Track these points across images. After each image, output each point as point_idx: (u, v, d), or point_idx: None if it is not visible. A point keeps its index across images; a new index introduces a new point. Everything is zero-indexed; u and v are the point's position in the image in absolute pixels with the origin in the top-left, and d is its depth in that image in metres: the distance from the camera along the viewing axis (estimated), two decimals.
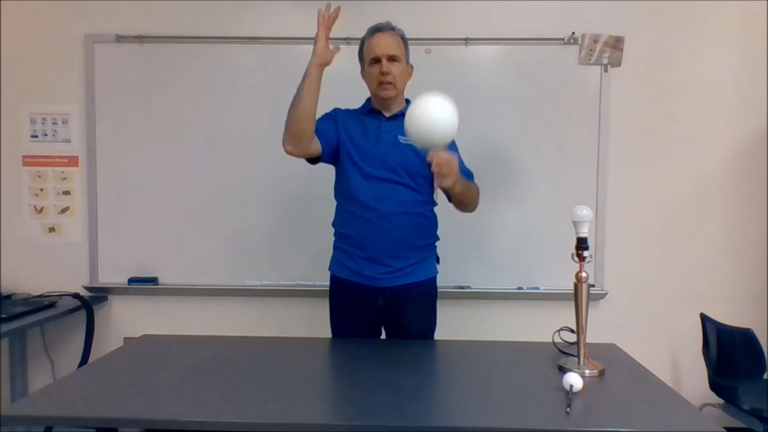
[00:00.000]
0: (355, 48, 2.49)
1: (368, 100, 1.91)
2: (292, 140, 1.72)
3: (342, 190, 1.84)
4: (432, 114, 1.49)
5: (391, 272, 1.79)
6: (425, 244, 1.85)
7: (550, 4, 2.54)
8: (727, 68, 2.57)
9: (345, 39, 2.53)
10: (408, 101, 1.90)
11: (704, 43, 2.56)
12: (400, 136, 1.80)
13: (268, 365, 1.59)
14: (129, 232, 2.61)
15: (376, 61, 1.78)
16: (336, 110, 1.90)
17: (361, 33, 2.47)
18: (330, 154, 1.82)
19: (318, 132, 1.75)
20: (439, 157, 1.54)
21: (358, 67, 2.48)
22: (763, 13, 2.54)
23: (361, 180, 1.78)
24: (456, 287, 2.57)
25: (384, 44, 1.78)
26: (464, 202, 1.83)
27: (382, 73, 1.76)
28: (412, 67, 1.88)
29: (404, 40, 1.84)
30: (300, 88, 1.69)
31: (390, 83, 1.78)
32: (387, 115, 1.85)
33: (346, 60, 2.52)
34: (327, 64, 1.66)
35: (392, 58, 1.78)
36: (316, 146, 1.76)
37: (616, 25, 2.53)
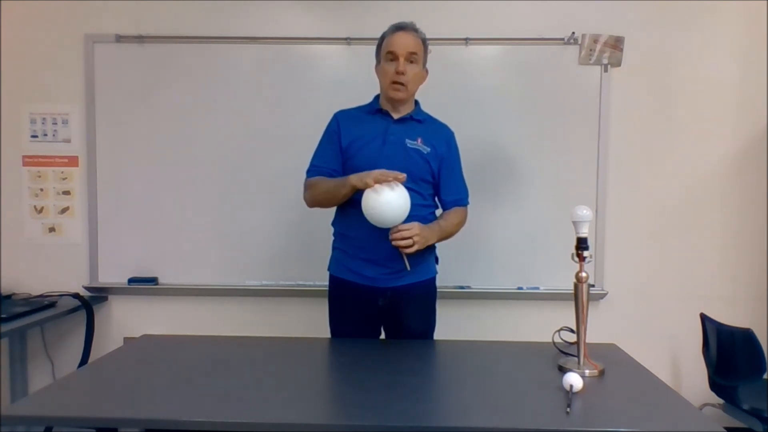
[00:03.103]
0: (355, 48, 2.53)
1: (376, 98, 1.89)
2: (315, 206, 1.87)
3: None
4: (383, 199, 1.60)
5: (391, 273, 1.79)
6: (423, 248, 1.84)
7: (550, 4, 2.54)
8: (727, 68, 2.57)
9: (345, 39, 2.54)
10: (417, 103, 1.90)
11: (704, 43, 2.56)
12: (407, 140, 1.80)
13: (268, 365, 1.59)
14: (129, 232, 2.62)
15: (394, 58, 1.76)
16: (337, 118, 1.87)
17: (360, 33, 2.51)
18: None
19: (331, 172, 1.81)
20: (396, 239, 1.65)
21: (359, 69, 2.49)
22: (764, 13, 2.54)
23: None
24: (456, 287, 2.57)
25: (404, 43, 1.76)
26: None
27: (397, 73, 1.75)
28: (427, 71, 1.86)
29: (425, 44, 1.82)
30: (335, 192, 1.76)
31: (403, 84, 1.76)
32: (395, 116, 1.83)
33: (347, 61, 2.55)
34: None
35: (410, 59, 1.76)
36: None
37: (616, 25, 2.53)
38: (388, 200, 1.60)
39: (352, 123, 1.84)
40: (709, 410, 2.41)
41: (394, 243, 1.65)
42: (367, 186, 1.62)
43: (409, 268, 1.69)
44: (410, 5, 2.50)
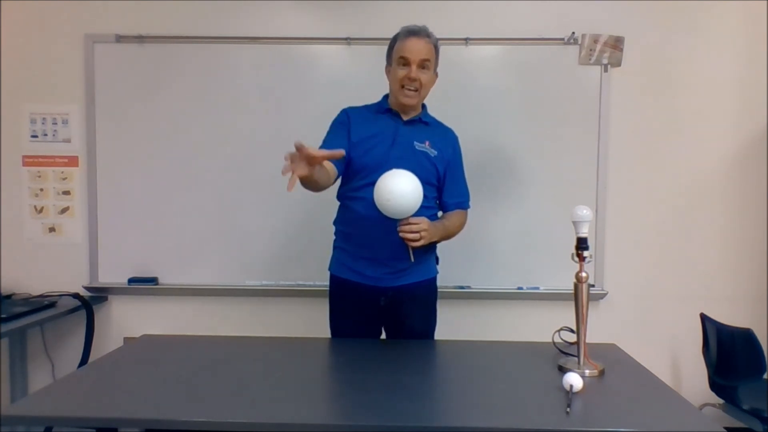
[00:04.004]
0: (355, 48, 2.53)
1: (385, 98, 1.88)
2: (314, 191, 1.71)
3: (350, 190, 1.83)
4: (398, 186, 1.59)
5: (392, 272, 1.79)
6: (427, 245, 1.85)
7: (550, 4, 2.54)
8: (727, 68, 2.57)
9: (345, 39, 2.54)
10: (424, 106, 1.90)
11: (704, 43, 2.56)
12: (416, 142, 1.80)
13: (268, 365, 1.59)
14: (129, 232, 2.61)
15: (406, 63, 1.74)
16: (348, 113, 1.85)
17: (360, 33, 2.51)
18: (344, 170, 1.81)
19: (335, 161, 1.71)
20: (404, 230, 1.63)
21: (359, 68, 2.49)
22: (764, 13, 2.54)
23: (371, 182, 1.72)
24: (456, 287, 2.57)
25: (417, 50, 1.73)
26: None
27: (410, 79, 1.73)
28: (437, 75, 1.85)
29: (437, 49, 1.80)
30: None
31: (415, 90, 1.75)
32: (405, 118, 1.83)
33: (347, 61, 2.55)
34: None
35: (422, 66, 1.75)
36: (334, 175, 1.74)
37: (616, 25, 2.53)
38: (404, 192, 1.58)
39: (362, 120, 1.83)
40: (709, 410, 2.41)
41: (401, 234, 1.64)
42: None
43: (413, 260, 1.69)
44: (410, 5, 2.50)
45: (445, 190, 1.88)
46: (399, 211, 1.61)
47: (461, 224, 1.91)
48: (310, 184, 1.58)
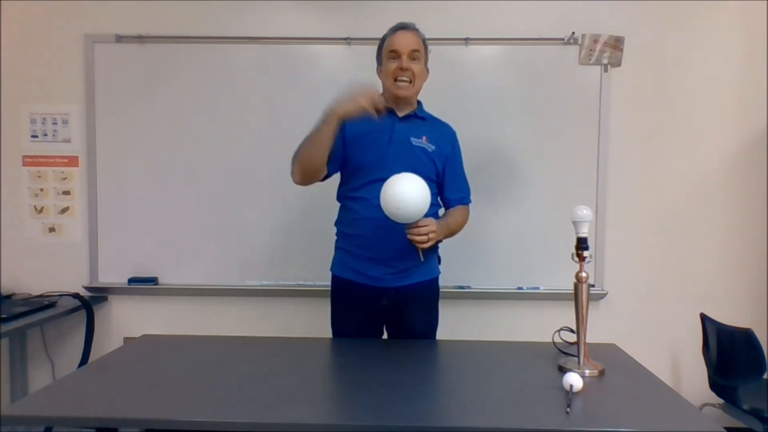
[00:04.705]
0: (355, 48, 2.53)
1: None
2: (302, 177, 1.75)
3: (349, 190, 1.83)
4: (406, 193, 1.58)
5: (395, 272, 1.79)
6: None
7: (550, 4, 2.54)
8: (727, 68, 2.57)
9: (345, 39, 2.54)
10: (420, 102, 1.90)
11: (704, 43, 2.56)
12: (412, 138, 1.80)
13: (268, 365, 1.58)
14: (129, 232, 2.61)
15: (396, 56, 1.76)
16: None
17: (360, 33, 2.51)
18: (339, 169, 1.82)
19: (329, 159, 1.73)
20: (413, 233, 1.63)
21: (359, 69, 2.49)
22: (764, 13, 2.54)
23: (370, 180, 1.75)
24: (456, 287, 2.57)
25: (407, 42, 1.76)
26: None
27: (402, 69, 1.75)
28: (428, 70, 1.87)
29: (425, 44, 1.83)
30: (316, 134, 1.66)
31: (408, 81, 1.76)
32: (400, 115, 1.83)
33: (347, 61, 2.55)
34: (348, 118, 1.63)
35: (413, 57, 1.77)
36: (323, 171, 1.76)
37: (616, 25, 2.53)
38: (414, 199, 1.58)
39: (358, 119, 1.83)
40: (709, 410, 2.41)
41: (409, 237, 1.64)
42: (362, 108, 1.58)
43: (422, 259, 1.70)
44: (410, 5, 2.50)
45: (446, 186, 1.88)
46: (409, 217, 1.61)
47: (464, 221, 1.91)
48: (315, 151, 1.66)
